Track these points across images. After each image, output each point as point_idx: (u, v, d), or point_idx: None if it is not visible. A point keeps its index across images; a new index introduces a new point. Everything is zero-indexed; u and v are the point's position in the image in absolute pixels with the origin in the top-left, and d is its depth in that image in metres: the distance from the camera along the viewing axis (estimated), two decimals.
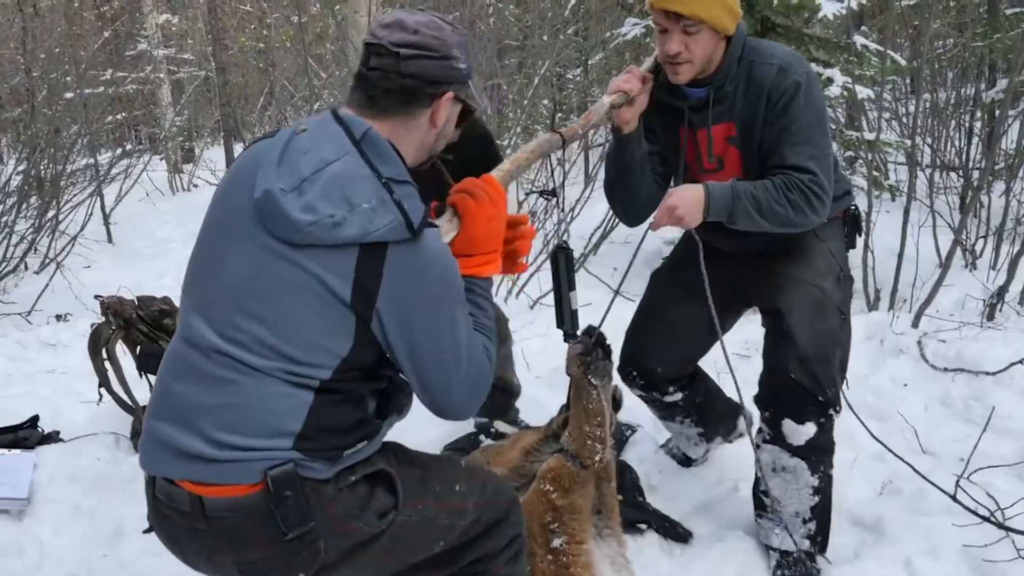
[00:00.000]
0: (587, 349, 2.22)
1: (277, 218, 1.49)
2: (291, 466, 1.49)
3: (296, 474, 1.49)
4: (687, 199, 2.16)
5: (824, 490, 2.45)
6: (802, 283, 2.40)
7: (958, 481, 2.43)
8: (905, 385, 3.54)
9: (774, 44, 2.36)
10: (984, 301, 4.35)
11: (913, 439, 3.06)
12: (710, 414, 2.81)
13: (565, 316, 2.16)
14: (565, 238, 2.22)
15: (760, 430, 2.45)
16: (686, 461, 3.00)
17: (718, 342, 2.32)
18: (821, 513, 2.46)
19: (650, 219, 2.31)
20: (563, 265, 2.15)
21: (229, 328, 1.51)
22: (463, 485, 1.76)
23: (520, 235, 1.84)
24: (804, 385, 2.33)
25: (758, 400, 2.45)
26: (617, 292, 2.44)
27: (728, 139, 2.33)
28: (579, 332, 2.21)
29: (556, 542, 2.18)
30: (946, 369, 3.54)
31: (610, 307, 2.41)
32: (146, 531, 1.68)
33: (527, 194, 2.77)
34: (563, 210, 2.26)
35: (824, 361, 2.37)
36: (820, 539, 2.48)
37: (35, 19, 7.55)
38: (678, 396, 2.71)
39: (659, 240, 6.51)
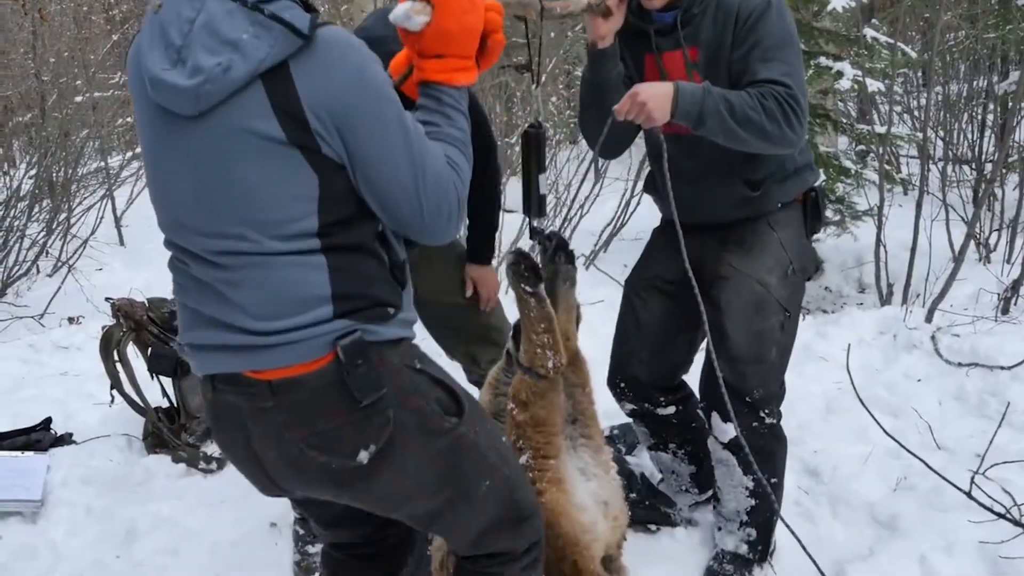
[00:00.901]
0: (518, 259, 2.12)
1: (174, 97, 1.43)
2: (358, 334, 1.48)
3: (364, 341, 1.48)
4: (656, 91, 2.07)
5: (763, 496, 2.39)
6: (746, 279, 2.34)
7: (973, 477, 2.40)
8: (919, 380, 3.51)
9: None
10: (998, 295, 4.32)
11: (927, 435, 3.03)
12: (706, 453, 2.61)
13: (532, 200, 2.09)
14: (539, 119, 2.09)
15: None
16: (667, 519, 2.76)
17: (702, 344, 2.27)
18: (761, 521, 2.43)
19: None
20: (533, 147, 2.08)
21: (209, 229, 1.48)
22: (505, 443, 1.77)
23: (491, 22, 1.65)
24: (732, 384, 2.26)
25: (700, 390, 2.45)
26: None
27: (692, 65, 2.27)
28: (544, 222, 2.16)
29: (522, 459, 2.08)
30: (960, 364, 3.50)
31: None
32: (204, 434, 1.67)
33: (501, 67, 2.62)
34: (538, 85, 2.19)
35: (757, 361, 2.33)
36: (760, 548, 2.44)
37: (44, 24, 7.56)
38: (671, 410, 2.62)
39: None
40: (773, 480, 2.39)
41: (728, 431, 2.34)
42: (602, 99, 2.30)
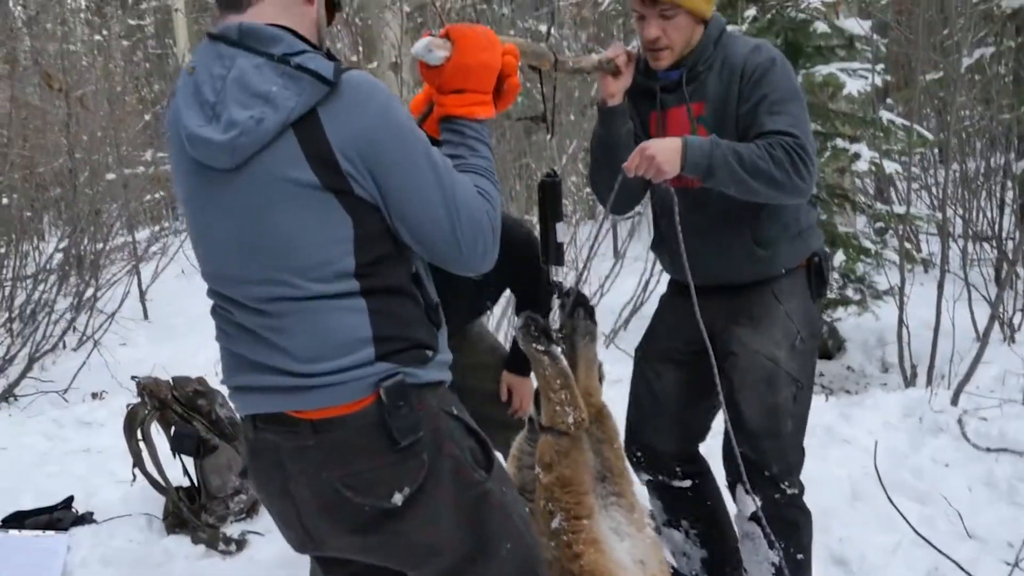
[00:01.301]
0: (528, 322, 2.14)
1: (210, 151, 1.49)
2: (400, 377, 1.52)
3: (406, 383, 1.52)
4: (664, 145, 2.12)
5: (790, 573, 2.36)
6: (755, 355, 2.37)
7: (1012, 572, 2.34)
8: (947, 465, 3.46)
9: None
10: None
11: (958, 522, 2.98)
12: (718, 536, 2.63)
13: (550, 249, 2.10)
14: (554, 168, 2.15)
15: None
16: None
17: (719, 413, 2.28)
18: None
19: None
20: (549, 196, 2.10)
21: (252, 277, 1.53)
22: (527, 514, 1.77)
23: (507, 65, 1.71)
24: (751, 459, 2.32)
25: (723, 464, 2.45)
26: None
27: (698, 119, 2.32)
28: (562, 271, 2.18)
29: (555, 523, 2.04)
30: (989, 449, 3.46)
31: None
32: (241, 474, 1.68)
33: (516, 120, 2.66)
34: (552, 135, 2.21)
35: (772, 436, 2.35)
36: None
37: (80, 105, 7.80)
38: (687, 483, 2.60)
39: None
40: (799, 557, 2.38)
41: (750, 503, 2.34)
42: (611, 155, 2.35)
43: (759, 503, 2.29)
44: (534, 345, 2.10)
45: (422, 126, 1.69)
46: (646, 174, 2.14)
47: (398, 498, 1.53)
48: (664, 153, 2.11)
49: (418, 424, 1.53)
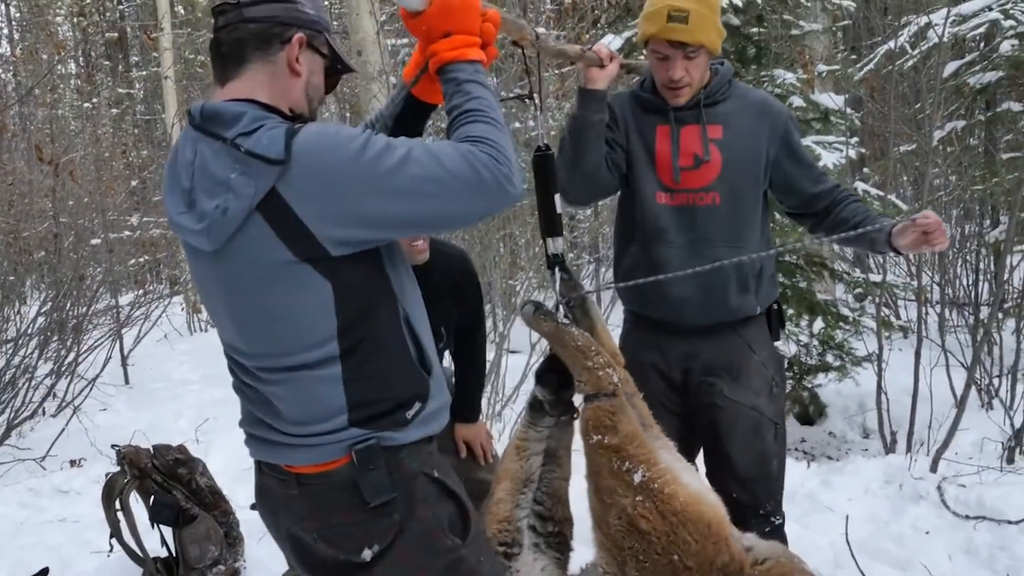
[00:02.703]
0: (536, 306, 2.17)
1: (192, 237, 1.57)
2: (373, 442, 1.60)
3: (378, 447, 1.60)
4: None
5: None
6: (740, 407, 2.54)
7: None
8: (927, 532, 3.47)
9: None
10: (1003, 444, 4.31)
11: None
12: None
13: (551, 220, 2.16)
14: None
15: None
16: None
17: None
18: None
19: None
20: (547, 168, 2.15)
21: (247, 349, 1.64)
22: None
23: (486, 32, 1.73)
24: (745, 503, 2.50)
25: None
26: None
27: (713, 140, 2.47)
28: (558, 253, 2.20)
29: (637, 478, 2.07)
30: (968, 517, 3.47)
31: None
32: (252, 507, 1.84)
33: (502, 100, 2.74)
34: (541, 111, 2.25)
35: (763, 478, 2.58)
36: None
37: (70, 177, 7.85)
38: None
39: None
40: None
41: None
42: (578, 138, 2.44)
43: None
44: (557, 322, 2.15)
45: (414, 89, 1.79)
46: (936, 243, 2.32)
47: (367, 554, 1.60)
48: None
49: (391, 486, 1.60)
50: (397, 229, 1.56)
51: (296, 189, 1.48)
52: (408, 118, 1.89)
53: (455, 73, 1.66)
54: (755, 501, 2.54)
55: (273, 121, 1.54)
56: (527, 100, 2.23)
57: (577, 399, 2.24)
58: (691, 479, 2.19)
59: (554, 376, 2.24)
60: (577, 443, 2.24)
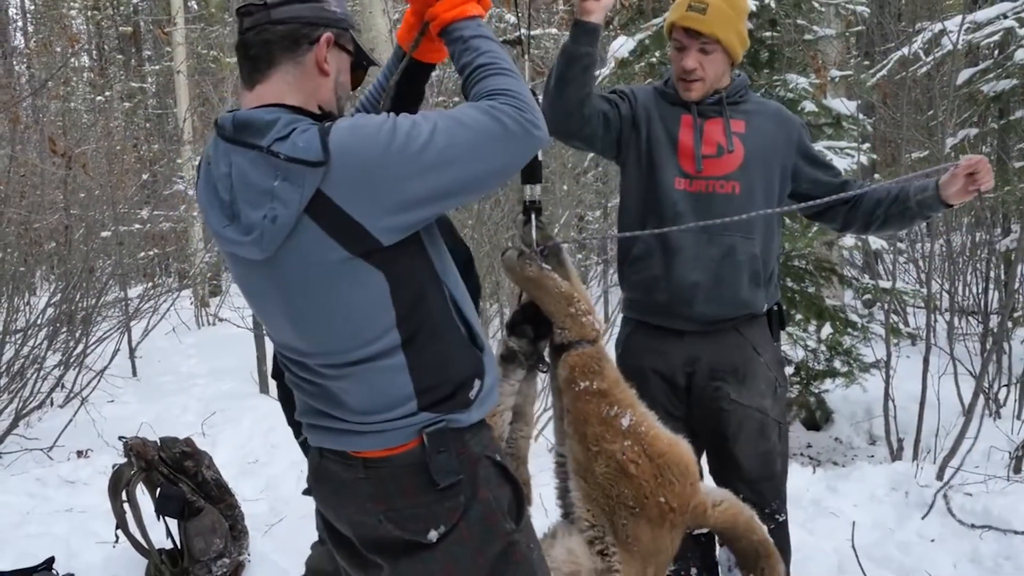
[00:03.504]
0: (521, 251, 2.16)
1: (240, 249, 1.57)
2: (443, 424, 1.62)
3: (448, 429, 1.63)
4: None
5: None
6: (747, 410, 2.57)
7: None
8: (932, 540, 3.46)
9: None
10: (1010, 453, 4.29)
11: None
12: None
13: (533, 166, 2.14)
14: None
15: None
16: None
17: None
18: None
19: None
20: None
21: (308, 349, 1.64)
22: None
23: None
24: (751, 501, 2.50)
25: None
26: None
27: (737, 134, 2.52)
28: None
29: (624, 423, 2.10)
30: (974, 526, 3.46)
31: None
32: (305, 492, 1.83)
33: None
34: (527, 55, 2.25)
35: (769, 478, 2.62)
36: None
37: (81, 169, 7.88)
38: (703, 529, 2.67)
39: None
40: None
41: None
42: (563, 71, 2.41)
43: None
44: (541, 267, 2.15)
45: (414, 54, 1.80)
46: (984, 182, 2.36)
47: (433, 535, 1.64)
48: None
49: (458, 467, 1.63)
50: (443, 201, 1.55)
51: (341, 187, 1.49)
52: (410, 81, 1.90)
53: (459, 32, 1.67)
54: (762, 501, 2.57)
55: (305, 123, 1.54)
56: (515, 45, 2.23)
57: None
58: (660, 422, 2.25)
59: (528, 327, 2.22)
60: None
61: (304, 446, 2.41)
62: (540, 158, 2.19)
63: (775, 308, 2.69)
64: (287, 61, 1.62)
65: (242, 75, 1.66)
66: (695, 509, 2.18)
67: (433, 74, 1.95)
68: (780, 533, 2.60)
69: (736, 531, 2.33)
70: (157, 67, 19.87)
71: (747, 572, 2.37)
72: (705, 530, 2.63)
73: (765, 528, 2.39)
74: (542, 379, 2.35)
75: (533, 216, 2.23)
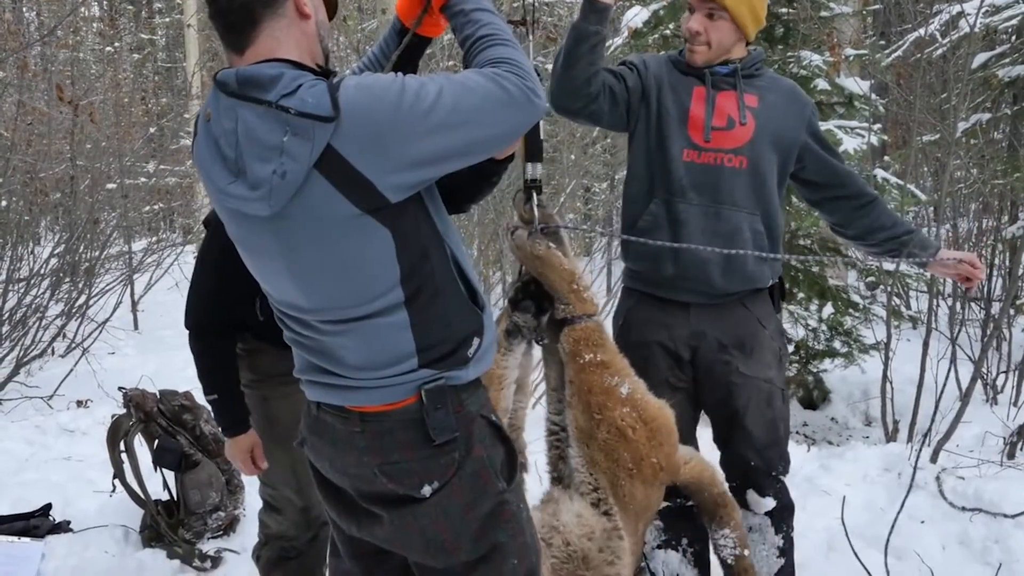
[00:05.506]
0: (530, 229, 2.22)
1: (246, 205, 1.55)
2: (442, 381, 1.65)
3: (446, 386, 1.66)
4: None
5: (788, 552, 2.72)
6: (754, 381, 2.62)
7: None
8: (922, 522, 3.48)
9: None
10: (1004, 439, 4.30)
11: None
12: (710, 557, 2.77)
13: (532, 144, 2.16)
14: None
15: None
16: None
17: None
18: None
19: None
20: None
21: (310, 306, 1.64)
22: (537, 537, 1.86)
23: None
24: (761, 468, 2.65)
25: (724, 469, 2.71)
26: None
27: (749, 108, 2.52)
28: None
29: (623, 391, 2.24)
30: (964, 508, 3.48)
31: None
32: (298, 443, 1.84)
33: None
34: (532, 35, 2.31)
35: (775, 444, 2.68)
36: None
37: (88, 118, 7.82)
38: (690, 502, 2.68)
39: None
40: (792, 534, 2.75)
41: (764, 504, 2.67)
42: (571, 49, 2.42)
43: (774, 502, 2.66)
44: (548, 246, 2.22)
45: (419, 29, 1.83)
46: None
47: (427, 490, 1.67)
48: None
49: (455, 424, 1.66)
50: (448, 161, 1.56)
51: (351, 142, 1.48)
52: (407, 53, 1.91)
53: (460, 5, 1.70)
54: (768, 465, 2.66)
55: (309, 79, 1.54)
56: (520, 26, 2.26)
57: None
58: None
59: (531, 302, 2.29)
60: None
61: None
62: (542, 136, 2.20)
63: (778, 281, 2.73)
64: (269, 17, 1.60)
65: (227, 44, 1.63)
66: (673, 465, 2.33)
67: (445, 37, 1.96)
68: (783, 493, 2.72)
69: (701, 484, 2.50)
70: (167, 20, 19.72)
71: (709, 519, 2.56)
72: (690, 503, 2.68)
73: (726, 484, 2.60)
74: (538, 351, 2.40)
75: (534, 195, 2.26)
